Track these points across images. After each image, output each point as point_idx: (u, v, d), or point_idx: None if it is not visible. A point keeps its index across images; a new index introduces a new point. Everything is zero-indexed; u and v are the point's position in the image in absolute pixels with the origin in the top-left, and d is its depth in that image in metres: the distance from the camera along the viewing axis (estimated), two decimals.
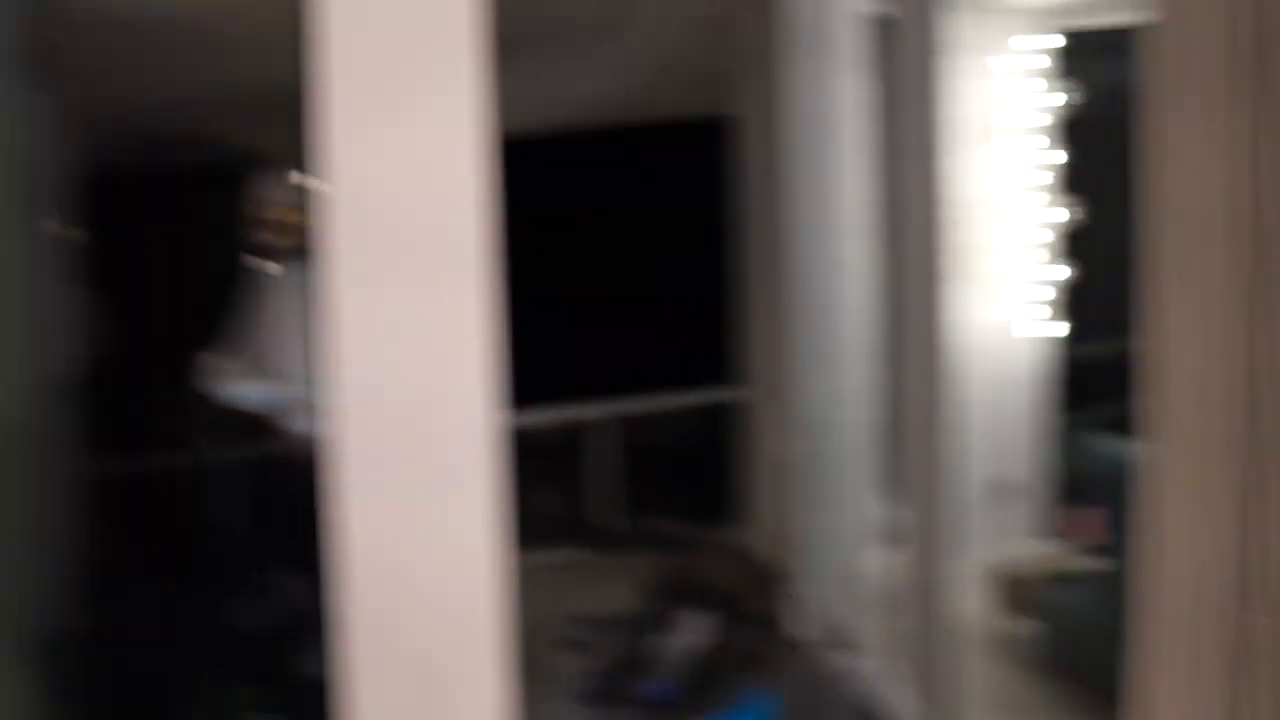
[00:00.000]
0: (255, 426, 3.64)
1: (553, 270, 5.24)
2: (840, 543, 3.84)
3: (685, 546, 2.00)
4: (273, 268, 3.61)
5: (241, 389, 3.66)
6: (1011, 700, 3.81)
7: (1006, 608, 4.18)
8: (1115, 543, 3.49)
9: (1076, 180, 4.64)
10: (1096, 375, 6.65)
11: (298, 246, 3.43)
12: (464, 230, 0.59)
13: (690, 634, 1.92)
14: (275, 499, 4.03)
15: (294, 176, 3.54)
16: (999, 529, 5.07)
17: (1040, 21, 4.29)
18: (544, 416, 6.36)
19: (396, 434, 0.56)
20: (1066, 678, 3.72)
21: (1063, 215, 4.63)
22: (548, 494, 8.03)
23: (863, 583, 3.98)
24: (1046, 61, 4.45)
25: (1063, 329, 5.09)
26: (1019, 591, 4.00)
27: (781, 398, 3.44)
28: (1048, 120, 4.49)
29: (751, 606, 1.67)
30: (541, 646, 2.29)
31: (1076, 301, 5.91)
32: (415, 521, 0.56)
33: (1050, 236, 4.73)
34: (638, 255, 5.64)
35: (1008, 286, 5.02)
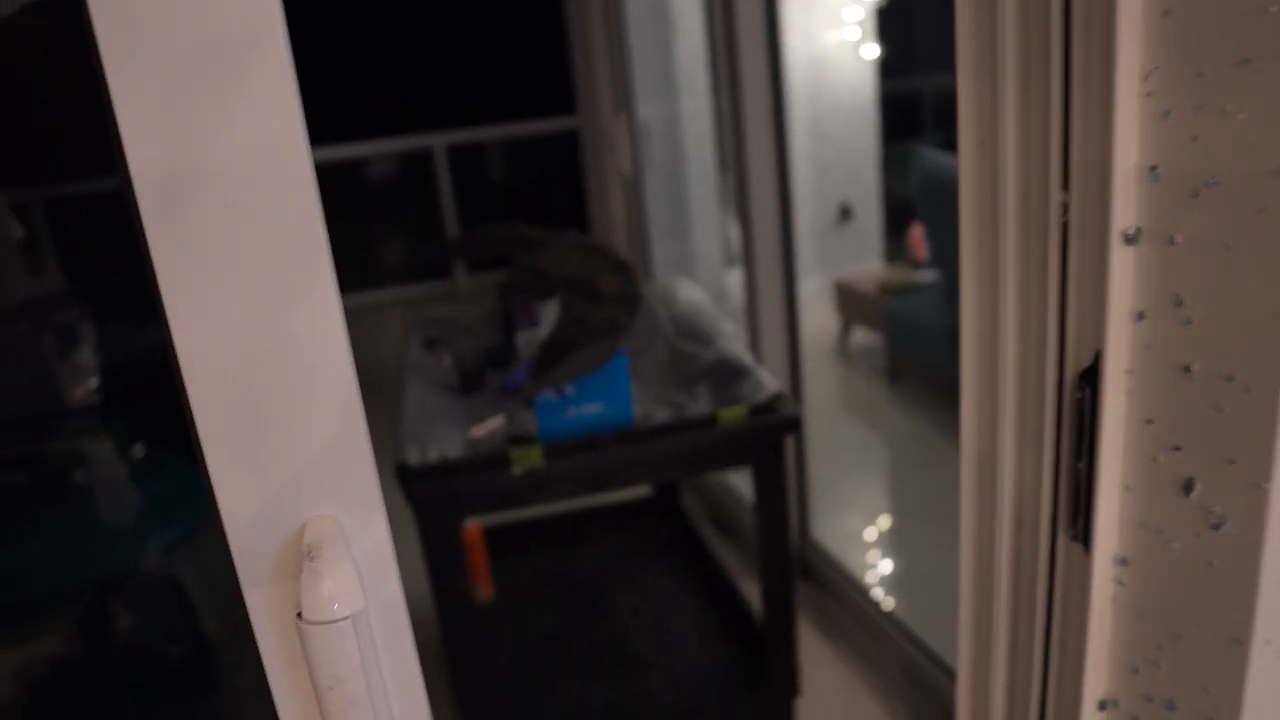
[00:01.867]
0: None
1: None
2: (696, 263, 3.93)
3: (541, 247, 1.98)
4: None
5: None
6: (857, 400, 4.12)
7: (850, 321, 4.44)
8: (936, 255, 3.70)
9: None
10: (929, 103, 6.86)
11: None
12: None
13: (547, 323, 1.94)
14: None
15: None
16: (841, 251, 5.30)
17: None
18: (400, 145, 6.89)
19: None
20: (904, 379, 4.02)
21: None
22: (404, 231, 8.10)
23: (721, 301, 4.13)
24: None
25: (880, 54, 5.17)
26: (859, 305, 4.23)
27: (627, 121, 3.39)
28: None
29: (606, 285, 1.68)
30: (415, 351, 2.29)
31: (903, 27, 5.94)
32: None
33: None
34: None
35: (849, 7, 5.00)
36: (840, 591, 2.51)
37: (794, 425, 1.63)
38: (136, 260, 0.50)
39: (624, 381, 1.67)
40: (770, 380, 1.75)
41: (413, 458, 1.58)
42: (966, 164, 0.75)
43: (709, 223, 4.01)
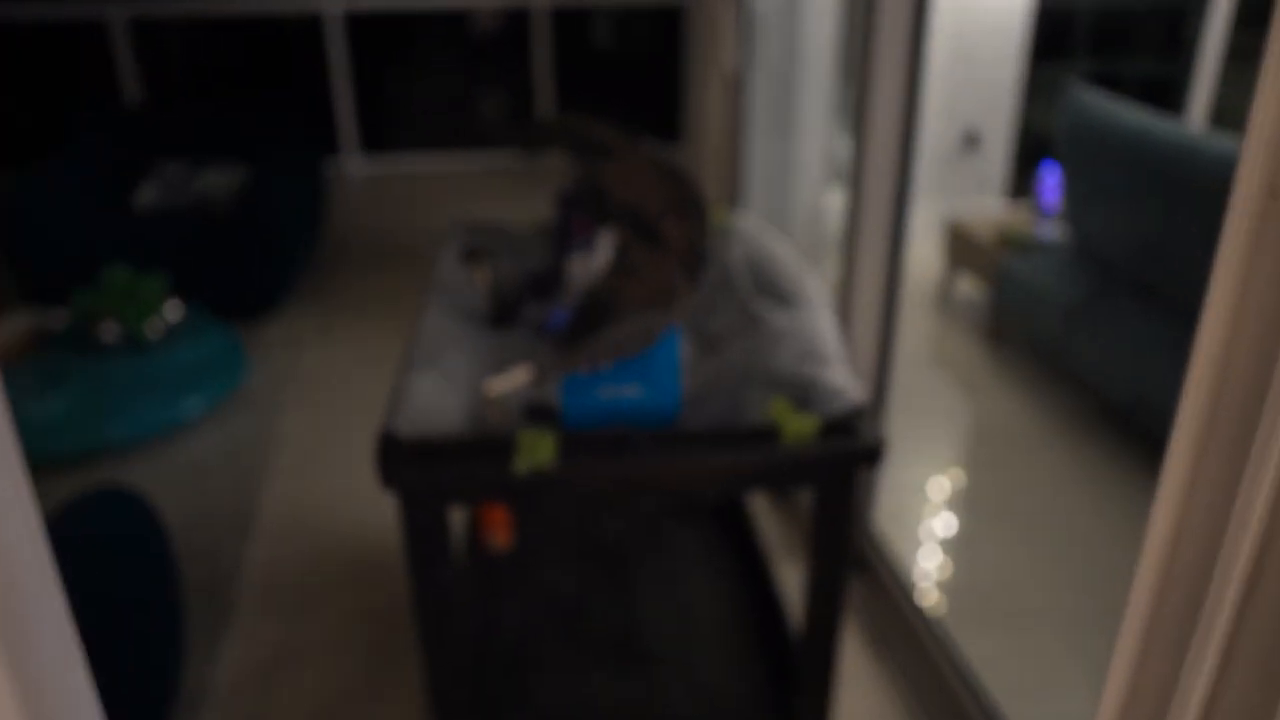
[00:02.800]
0: None
1: None
2: (795, 177, 3.51)
3: (607, 155, 1.62)
4: None
5: None
6: (950, 357, 3.72)
7: (957, 266, 3.99)
8: (1071, 210, 3.21)
9: None
10: (1083, 25, 6.12)
11: None
12: None
13: (602, 251, 1.60)
14: None
15: None
16: (961, 182, 4.78)
17: None
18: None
19: None
20: (1008, 343, 3.60)
21: None
22: (497, 97, 7.81)
23: (818, 222, 3.71)
24: None
25: None
26: (971, 252, 3.78)
27: (737, 10, 2.94)
28: None
29: (670, 230, 1.33)
30: (449, 261, 1.99)
31: None
32: None
33: None
34: None
35: None
36: (894, 599, 2.20)
37: (873, 456, 1.29)
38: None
39: (672, 366, 1.35)
40: (853, 384, 1.41)
41: (402, 426, 1.29)
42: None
43: (816, 134, 3.56)
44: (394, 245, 5.02)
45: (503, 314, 1.76)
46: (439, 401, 1.38)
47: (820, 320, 1.61)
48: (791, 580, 2.30)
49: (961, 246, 3.90)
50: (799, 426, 1.30)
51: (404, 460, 1.25)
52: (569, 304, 1.81)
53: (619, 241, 1.50)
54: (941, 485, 2.88)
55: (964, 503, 2.82)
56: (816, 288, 1.71)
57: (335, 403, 3.32)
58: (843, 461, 1.30)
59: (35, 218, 3.61)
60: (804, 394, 1.40)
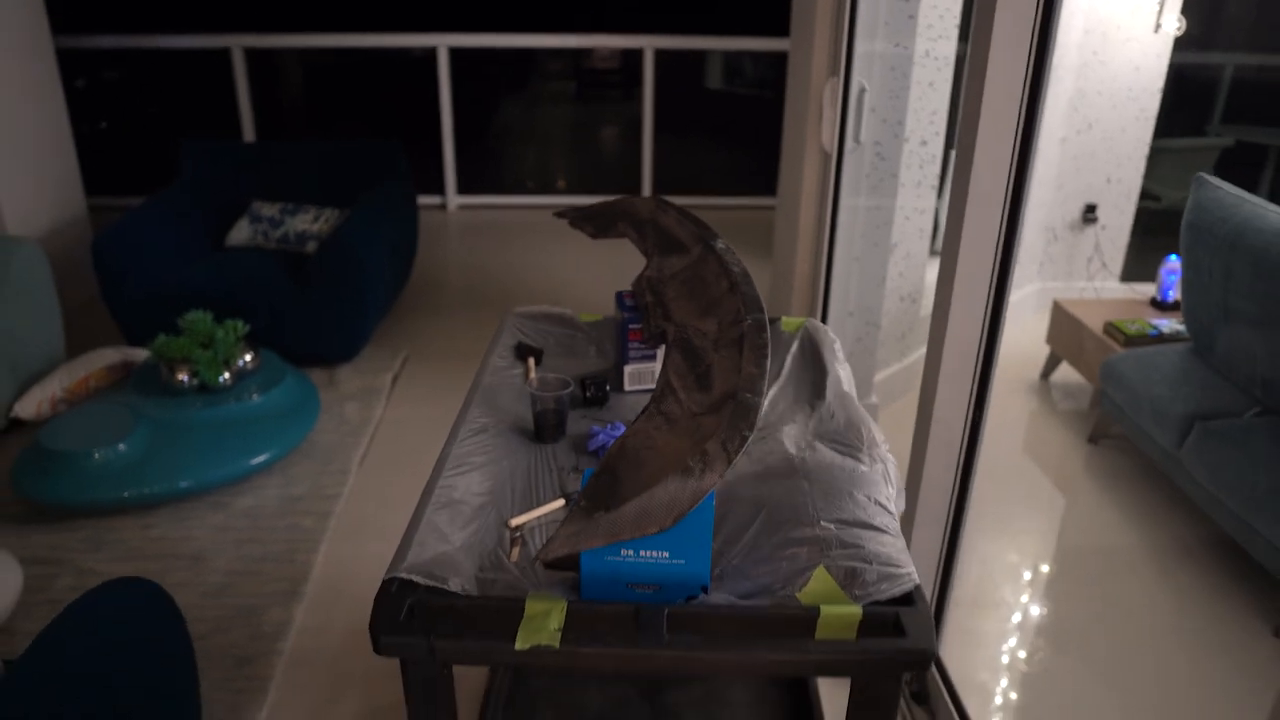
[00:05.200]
0: None
1: None
2: (893, 253, 3.33)
3: (680, 252, 1.52)
4: None
5: None
6: (1041, 449, 3.47)
7: (1060, 353, 3.74)
8: (1193, 310, 2.95)
9: None
10: (1232, 92, 5.72)
11: None
12: None
13: (659, 366, 1.49)
14: None
15: None
16: (1073, 261, 4.52)
17: None
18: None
19: None
20: (1107, 443, 3.34)
21: None
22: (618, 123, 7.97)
23: (916, 301, 3.52)
24: None
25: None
26: (1077, 340, 3.53)
27: (836, 87, 2.79)
28: None
29: (719, 370, 1.21)
30: (503, 351, 1.92)
31: None
32: None
33: None
34: None
35: None
36: None
37: (923, 661, 1.14)
38: None
39: (705, 532, 1.22)
40: (908, 562, 1.26)
41: (409, 575, 1.20)
42: None
43: (920, 208, 3.37)
44: (483, 288, 5.00)
45: (544, 430, 1.66)
46: (453, 540, 1.29)
47: (878, 473, 1.46)
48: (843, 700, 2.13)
49: (1067, 331, 3.65)
50: (838, 617, 1.16)
51: (398, 624, 1.15)
52: (618, 424, 1.69)
53: (663, 380, 1.38)
54: (1019, 597, 2.65)
55: (1042, 627, 2.59)
56: (883, 444, 1.56)
57: (400, 462, 3.28)
58: (885, 665, 1.15)
59: (129, 256, 3.69)
60: (851, 564, 1.25)
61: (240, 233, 4.17)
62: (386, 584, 1.20)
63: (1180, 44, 4.21)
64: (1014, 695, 2.35)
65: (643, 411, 1.34)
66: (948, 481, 2.11)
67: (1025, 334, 4.21)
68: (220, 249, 4.17)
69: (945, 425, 2.05)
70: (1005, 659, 2.45)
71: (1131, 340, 3.26)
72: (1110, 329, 3.37)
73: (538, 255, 5.57)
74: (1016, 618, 2.59)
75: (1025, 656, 2.47)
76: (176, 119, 5.84)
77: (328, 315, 3.75)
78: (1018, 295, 4.40)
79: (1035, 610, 2.65)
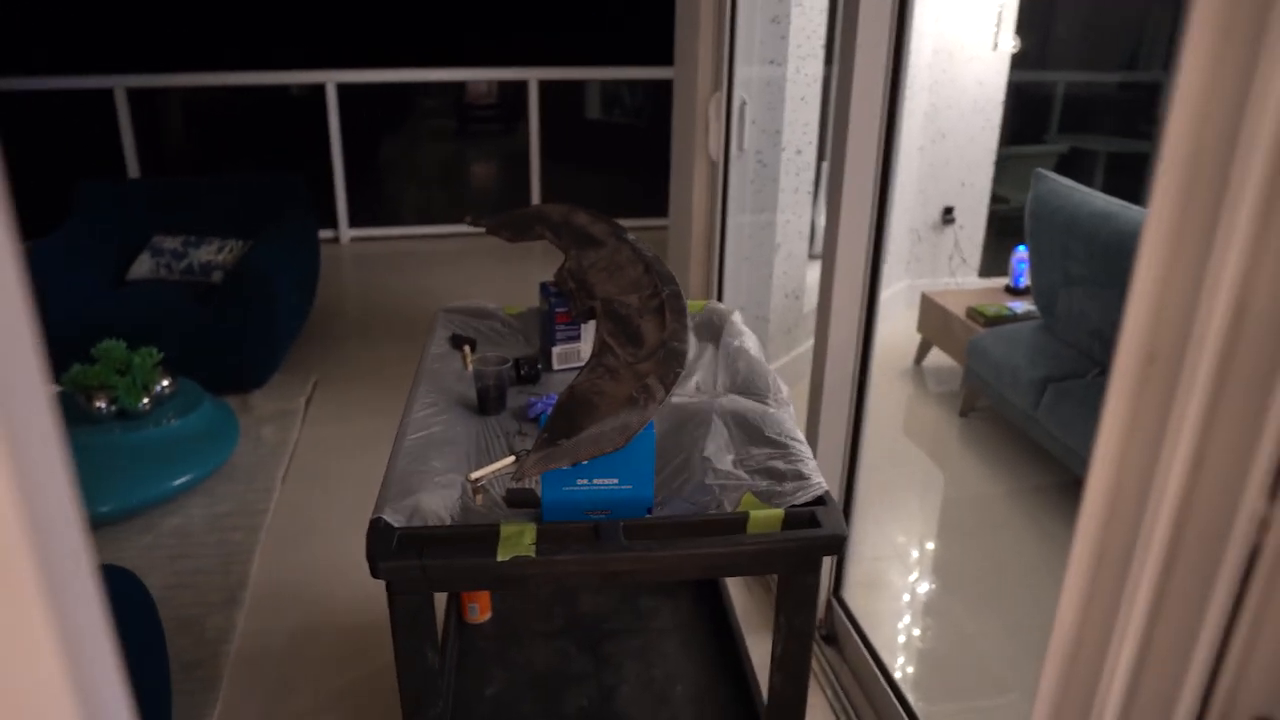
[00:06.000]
0: None
1: None
2: (777, 254, 3.64)
3: (595, 245, 1.74)
4: None
5: None
6: (919, 427, 3.82)
7: (930, 339, 4.11)
8: (1039, 290, 3.34)
9: None
10: (1066, 105, 6.34)
11: None
12: None
13: (586, 341, 1.70)
14: None
15: None
16: (937, 260, 4.92)
17: None
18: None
19: None
20: (977, 415, 3.70)
21: None
22: (498, 158, 8.13)
23: (799, 298, 3.83)
24: None
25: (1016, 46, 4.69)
26: (943, 325, 3.90)
27: (720, 100, 3.09)
28: None
29: (648, 329, 1.43)
30: (439, 343, 2.10)
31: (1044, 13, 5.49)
32: None
33: None
34: None
35: None
36: (862, 670, 2.27)
37: (837, 545, 1.38)
38: None
39: (648, 459, 1.43)
40: (817, 474, 1.50)
41: (392, 517, 1.37)
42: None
43: (799, 212, 3.69)
44: (382, 316, 5.11)
45: (488, 403, 1.84)
46: (426, 490, 1.46)
47: (784, 413, 1.70)
48: (764, 652, 2.37)
49: (935, 319, 4.03)
50: (765, 518, 1.39)
51: (392, 550, 1.32)
52: (551, 395, 1.90)
53: (599, 341, 1.59)
54: (911, 555, 2.95)
55: (933, 573, 2.90)
56: (785, 389, 1.81)
57: (323, 477, 3.38)
58: (806, 550, 1.38)
59: (32, 293, 3.68)
60: (771, 484, 1.48)
61: (142, 266, 4.19)
62: (374, 522, 1.37)
63: (1017, 62, 4.70)
64: (915, 631, 2.63)
65: (584, 366, 1.55)
66: (838, 459, 2.38)
67: (898, 327, 4.58)
68: (122, 284, 4.18)
69: (834, 406, 2.33)
70: (906, 598, 2.74)
71: (991, 321, 3.64)
72: (972, 313, 3.75)
73: (429, 281, 5.71)
74: (909, 570, 2.88)
75: (920, 595, 2.76)
76: (59, 159, 5.77)
77: (240, 342, 3.82)
78: (888, 292, 4.79)
79: (923, 559, 2.95)
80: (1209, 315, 0.56)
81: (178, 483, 3.09)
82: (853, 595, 2.49)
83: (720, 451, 1.60)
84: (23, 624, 0.31)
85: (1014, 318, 3.64)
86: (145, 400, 3.15)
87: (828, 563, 2.46)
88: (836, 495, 2.41)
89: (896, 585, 2.80)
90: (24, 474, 0.30)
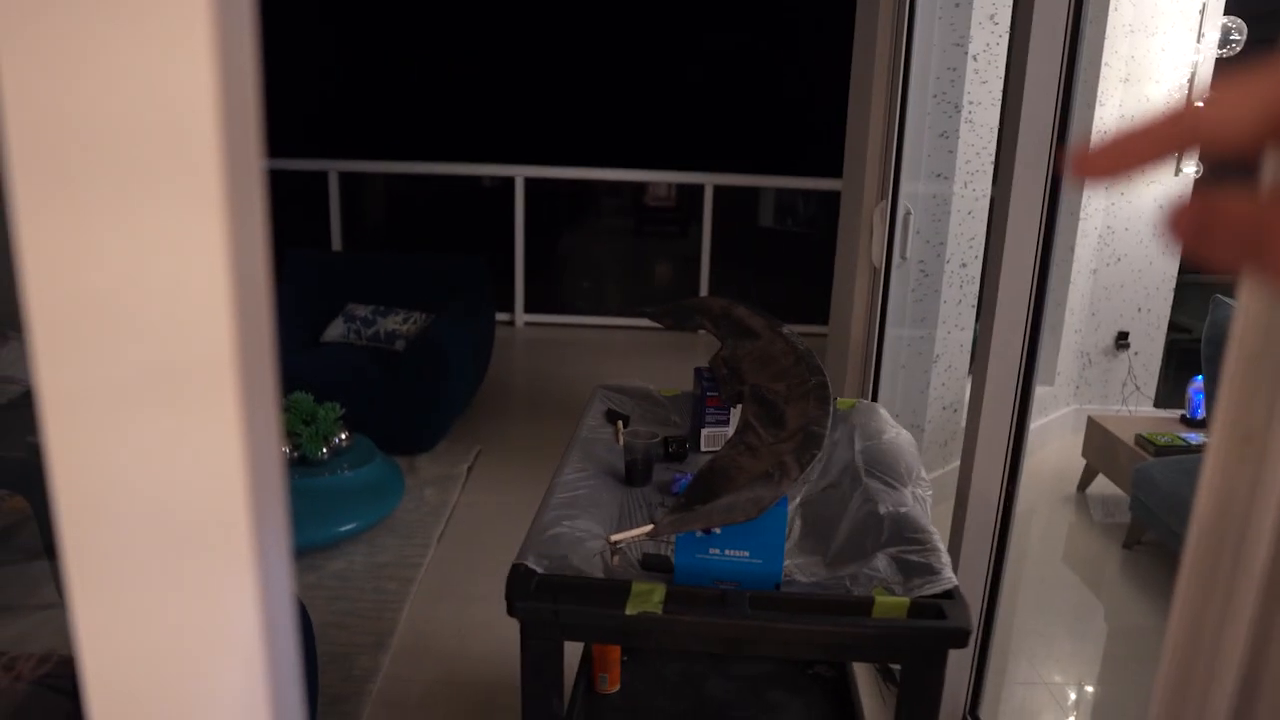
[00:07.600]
0: None
1: None
2: (934, 366, 3.62)
3: (750, 338, 1.82)
4: None
5: None
6: (1078, 555, 3.65)
7: (1095, 466, 3.95)
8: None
9: None
10: None
11: None
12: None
13: (733, 430, 1.78)
14: None
15: None
16: (1110, 385, 4.75)
17: None
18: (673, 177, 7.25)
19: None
20: (1142, 549, 3.52)
21: None
22: (671, 257, 8.46)
23: (957, 411, 3.79)
24: None
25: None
26: (1110, 452, 3.75)
27: (885, 209, 3.17)
28: None
29: (791, 414, 1.50)
30: (594, 416, 2.21)
31: None
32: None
33: None
34: None
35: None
36: None
37: (961, 639, 1.38)
38: None
39: (779, 534, 1.49)
40: (948, 569, 1.51)
41: (534, 563, 1.47)
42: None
43: (961, 325, 3.68)
44: (547, 396, 5.35)
45: (635, 474, 1.94)
46: (567, 545, 1.56)
47: (922, 507, 1.72)
48: None
49: (1101, 445, 3.87)
50: (890, 604, 1.41)
51: (529, 592, 1.42)
52: (688, 475, 1.98)
53: (743, 421, 1.67)
54: (1066, 694, 2.81)
55: (1087, 713, 2.74)
56: (926, 481, 1.82)
57: (475, 541, 3.55)
58: (929, 639, 1.39)
59: None
60: (901, 576, 1.50)
61: (335, 329, 4.59)
62: (516, 566, 1.48)
63: (1199, 186, 4.56)
64: None
65: (727, 443, 1.62)
66: (981, 569, 2.34)
67: (1063, 452, 4.42)
68: (317, 344, 4.58)
69: (978, 525, 2.30)
70: None
71: (1161, 450, 3.48)
72: (1140, 440, 3.59)
73: (595, 367, 5.93)
74: (1061, 700, 2.75)
75: None
76: (278, 231, 6.46)
77: (414, 407, 4.09)
78: (1055, 416, 4.64)
79: (1079, 698, 2.80)
80: None
81: (344, 529, 3.32)
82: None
83: (853, 539, 1.63)
84: (242, 622, 0.40)
85: (1186, 448, 3.47)
86: (324, 450, 3.43)
87: (962, 673, 2.39)
88: (975, 606, 2.35)
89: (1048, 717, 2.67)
90: (257, 492, 0.39)
